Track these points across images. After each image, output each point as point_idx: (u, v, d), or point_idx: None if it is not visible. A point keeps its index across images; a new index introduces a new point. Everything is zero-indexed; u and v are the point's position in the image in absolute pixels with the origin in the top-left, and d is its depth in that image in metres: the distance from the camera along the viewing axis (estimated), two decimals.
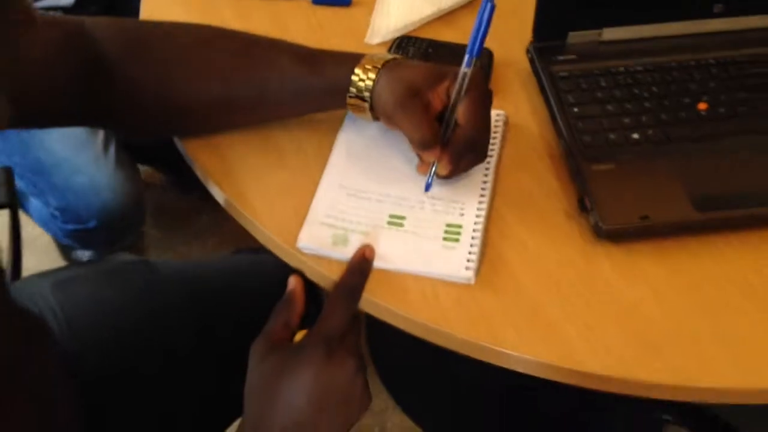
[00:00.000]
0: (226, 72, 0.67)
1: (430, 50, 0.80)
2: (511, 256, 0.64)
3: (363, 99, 0.66)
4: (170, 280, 0.79)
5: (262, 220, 0.66)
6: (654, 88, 0.74)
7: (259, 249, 0.71)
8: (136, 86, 0.64)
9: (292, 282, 0.63)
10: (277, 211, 0.66)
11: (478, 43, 0.61)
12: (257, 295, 0.73)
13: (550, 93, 0.73)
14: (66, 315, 0.71)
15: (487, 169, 0.69)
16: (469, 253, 0.63)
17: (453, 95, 0.64)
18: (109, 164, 1.05)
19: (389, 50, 0.79)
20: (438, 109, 0.65)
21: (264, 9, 0.86)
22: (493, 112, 0.73)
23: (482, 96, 0.65)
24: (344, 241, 0.64)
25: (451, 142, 0.65)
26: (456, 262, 0.62)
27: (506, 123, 0.74)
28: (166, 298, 0.77)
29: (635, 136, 0.70)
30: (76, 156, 1.03)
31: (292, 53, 0.68)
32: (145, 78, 0.64)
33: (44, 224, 1.19)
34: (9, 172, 0.80)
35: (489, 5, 0.60)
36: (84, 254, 1.38)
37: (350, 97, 0.67)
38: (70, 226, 1.11)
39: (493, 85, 0.77)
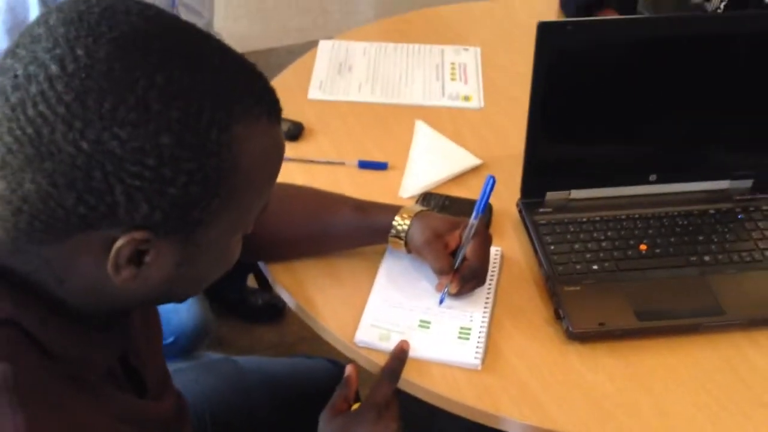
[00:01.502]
0: (305, 217, 0.95)
1: (446, 203, 1.09)
2: (507, 349, 0.90)
3: (400, 238, 0.94)
4: (250, 374, 1.03)
5: (327, 322, 0.92)
6: (609, 233, 1.02)
7: (312, 355, 0.97)
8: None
9: (349, 369, 0.88)
10: (339, 316, 0.93)
11: (482, 205, 0.90)
12: (314, 388, 0.97)
13: (533, 235, 1.01)
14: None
15: (489, 289, 0.96)
16: (477, 347, 0.88)
17: (464, 238, 0.91)
18: None
19: (416, 202, 1.08)
20: (453, 247, 0.93)
21: (323, 171, 1.16)
22: (493, 249, 1.00)
23: (484, 240, 0.93)
24: (387, 337, 0.89)
25: (461, 270, 0.92)
26: (467, 353, 0.88)
27: (502, 256, 1.01)
28: (247, 387, 1.01)
29: (595, 267, 0.97)
30: None
31: (351, 204, 0.96)
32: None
33: None
34: None
35: (491, 181, 0.88)
36: None
37: (391, 236, 0.94)
38: None
39: (493, 229, 1.06)
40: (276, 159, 0.61)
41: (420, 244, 0.92)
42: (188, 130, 0.51)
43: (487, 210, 1.07)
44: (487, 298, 0.95)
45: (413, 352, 0.88)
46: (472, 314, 0.92)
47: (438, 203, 1.08)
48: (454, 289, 0.92)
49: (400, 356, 0.87)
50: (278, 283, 0.97)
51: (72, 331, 0.58)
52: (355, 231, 0.95)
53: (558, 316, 0.92)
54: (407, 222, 0.93)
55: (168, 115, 0.50)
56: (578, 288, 0.95)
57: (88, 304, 0.58)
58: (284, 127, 1.22)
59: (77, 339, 0.58)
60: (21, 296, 0.55)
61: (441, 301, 0.94)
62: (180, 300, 0.64)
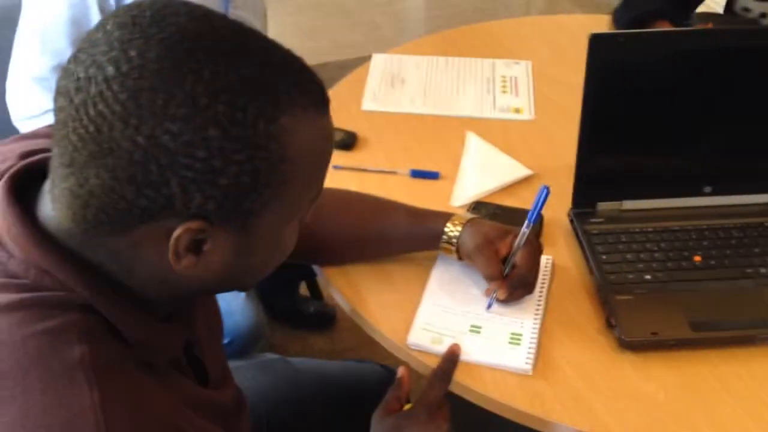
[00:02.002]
0: (360, 220, 0.97)
1: (497, 212, 1.10)
2: (558, 356, 0.90)
3: (452, 244, 0.96)
4: (304, 374, 1.05)
5: (380, 325, 0.94)
6: (662, 244, 1.02)
7: (363, 360, 0.99)
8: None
9: (401, 370, 0.90)
10: (392, 320, 0.94)
11: (535, 214, 0.91)
12: (365, 389, 0.99)
13: (585, 245, 1.02)
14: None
15: (540, 297, 0.97)
16: (528, 352, 0.89)
17: (514, 246, 0.92)
18: (242, 294, 1.35)
19: (467, 211, 1.10)
20: (503, 254, 0.94)
21: (375, 179, 1.18)
22: (544, 257, 1.01)
23: (535, 249, 0.94)
24: (439, 341, 0.91)
25: (510, 277, 0.93)
26: (519, 359, 0.88)
27: (554, 265, 1.02)
28: (301, 386, 1.03)
29: (647, 276, 0.97)
30: None
31: (404, 210, 0.98)
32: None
33: None
34: None
35: (545, 191, 0.90)
36: None
37: (443, 242, 0.96)
38: None
39: (544, 239, 1.06)
40: (325, 148, 0.62)
41: (471, 249, 0.93)
42: (235, 122, 0.53)
43: (538, 220, 1.08)
44: (538, 305, 0.95)
45: (464, 356, 0.89)
46: (522, 321, 0.93)
47: (489, 212, 1.10)
48: (502, 295, 0.93)
49: (451, 358, 0.88)
50: (333, 286, 1.00)
51: (142, 319, 0.61)
52: (407, 236, 0.97)
53: (610, 325, 0.92)
54: (459, 229, 0.95)
55: (215, 109, 0.52)
56: (630, 297, 0.95)
57: (155, 292, 0.61)
58: (338, 136, 1.25)
59: (146, 327, 0.61)
60: (96, 284, 0.58)
61: (489, 306, 0.95)
62: (244, 287, 0.66)
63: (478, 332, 0.92)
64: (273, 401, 1.00)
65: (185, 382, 0.66)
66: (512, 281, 0.92)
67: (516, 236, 0.92)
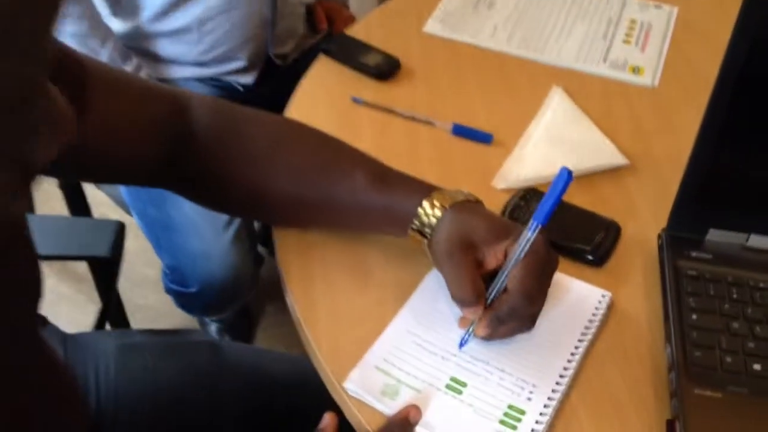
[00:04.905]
0: (301, 172, 0.65)
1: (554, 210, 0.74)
2: None
3: (424, 234, 0.62)
4: (233, 367, 0.77)
5: (320, 342, 0.63)
6: None
7: None
8: (219, 170, 0.64)
9: (326, 419, 0.59)
10: (340, 338, 0.63)
11: (547, 211, 0.55)
12: (310, 399, 0.69)
13: (670, 288, 0.65)
14: (117, 379, 0.71)
15: (573, 354, 0.62)
16: None
17: (509, 258, 0.58)
18: (227, 237, 1.08)
19: (512, 198, 0.75)
20: (491, 267, 0.60)
21: (402, 129, 0.85)
22: (599, 291, 0.66)
23: (540, 265, 0.59)
24: (394, 393, 0.59)
25: (495, 305, 0.59)
26: None
27: (610, 306, 0.67)
28: (224, 384, 0.75)
29: (757, 367, 0.60)
30: (201, 220, 1.07)
31: (367, 168, 0.65)
32: (228, 164, 0.64)
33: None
34: (121, 227, 0.84)
35: (566, 174, 0.54)
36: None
37: (412, 228, 0.63)
38: (173, 286, 1.15)
39: (613, 260, 0.71)
40: None
41: (441, 252, 0.60)
42: None
43: (612, 227, 0.72)
44: (566, 368, 0.61)
45: (425, 429, 0.57)
46: (533, 388, 0.60)
47: None
48: (481, 330, 0.60)
49: (401, 429, 0.56)
50: (283, 266, 0.69)
51: None
52: (364, 209, 0.65)
53: None
54: (438, 213, 0.62)
55: None
56: (719, 395, 0.58)
57: None
58: (374, 59, 0.92)
59: None
60: None
61: (461, 345, 0.62)
62: None
63: (459, 392, 0.59)
64: (174, 396, 0.73)
65: None
66: (498, 310, 0.59)
67: (516, 241, 0.58)
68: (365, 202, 0.64)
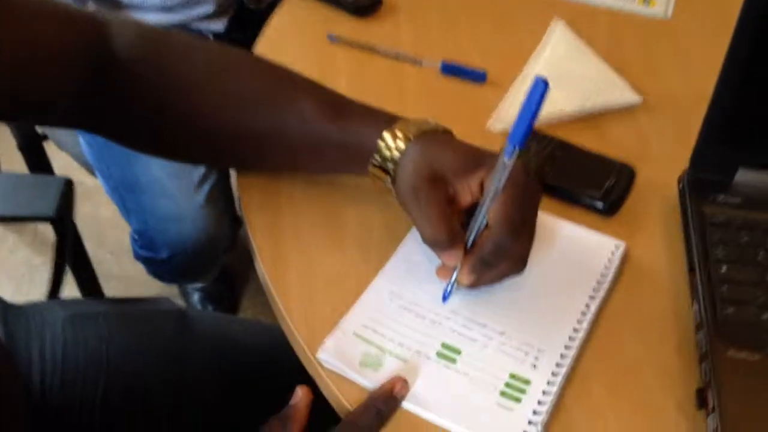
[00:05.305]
0: (242, 101, 0.56)
1: (557, 153, 0.66)
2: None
3: (386, 171, 0.54)
4: (200, 337, 0.69)
5: (291, 307, 0.54)
6: None
7: None
8: (149, 102, 0.55)
9: (299, 394, 0.51)
10: (315, 301, 0.54)
11: (523, 131, 0.46)
12: (285, 372, 0.60)
13: (694, 238, 0.57)
14: (66, 352, 0.63)
15: (583, 313, 0.53)
16: (530, 422, 0.47)
17: (486, 189, 0.50)
18: (199, 197, 0.99)
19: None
20: (466, 203, 0.52)
21: (385, 69, 0.75)
22: (611, 241, 0.58)
23: (523, 194, 0.50)
24: (376, 363, 0.50)
25: (477, 246, 0.51)
26: (510, 430, 0.47)
27: (624, 258, 0.58)
28: (190, 356, 0.67)
29: None
30: (170, 180, 0.98)
31: (318, 97, 0.56)
32: (158, 94, 0.55)
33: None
34: (69, 185, 0.74)
35: (543, 84, 0.45)
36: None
37: (372, 165, 0.54)
38: (143, 252, 1.06)
39: (626, 209, 0.62)
40: None
41: (406, 188, 0.52)
42: None
43: (624, 172, 0.64)
44: (576, 329, 0.52)
45: (411, 404, 0.48)
46: (539, 353, 0.51)
47: (543, 151, 0.66)
48: (465, 277, 0.52)
49: (385, 404, 0.48)
50: (248, 221, 0.60)
51: None
52: (317, 141, 0.56)
53: (701, 403, 0.48)
54: (401, 145, 0.53)
55: None
56: (756, 357, 0.50)
57: None
58: None
59: None
60: None
61: (444, 298, 0.54)
62: None
63: (453, 360, 0.51)
64: (132, 369, 0.64)
65: None
66: (481, 252, 0.50)
67: (489, 173, 0.50)
68: (316, 135, 0.55)
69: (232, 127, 0.56)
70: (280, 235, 0.59)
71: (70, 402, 0.61)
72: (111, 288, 1.34)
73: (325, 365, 0.50)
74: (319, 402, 0.52)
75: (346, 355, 0.50)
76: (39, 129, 1.18)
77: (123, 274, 1.49)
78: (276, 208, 0.61)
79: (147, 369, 0.65)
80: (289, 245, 0.58)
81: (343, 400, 0.49)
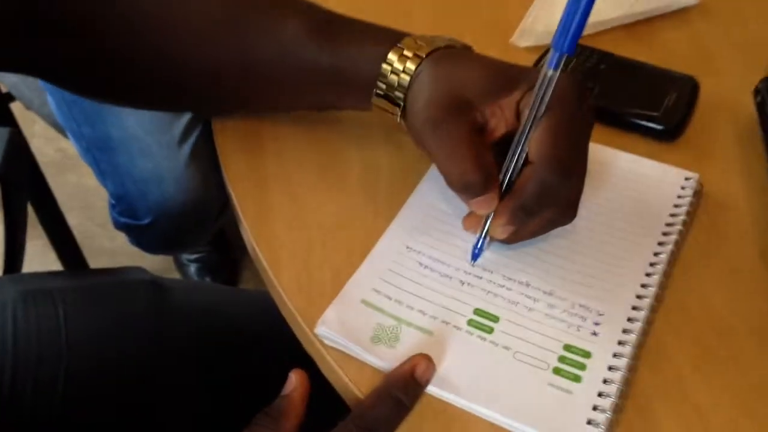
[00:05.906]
0: (208, 27, 0.44)
1: (601, 66, 0.54)
2: (668, 419, 0.37)
3: (394, 102, 0.42)
4: (179, 311, 0.58)
5: (280, 269, 0.43)
6: None
7: None
8: (97, 32, 0.44)
9: (293, 382, 0.40)
10: (312, 262, 0.43)
11: (571, 34, 0.35)
12: (280, 350, 0.50)
13: None
14: (17, 333, 0.53)
15: (653, 264, 0.42)
16: (595, 408, 0.36)
17: (526, 114, 0.38)
18: (183, 154, 0.87)
19: (541, 58, 0.54)
20: (500, 133, 0.41)
21: None
22: (679, 172, 0.47)
23: (571, 119, 0.39)
24: (392, 338, 0.39)
25: (516, 188, 0.39)
26: (570, 418, 0.36)
27: (699, 193, 0.46)
28: (168, 332, 0.57)
29: None
30: (149, 137, 0.86)
31: (303, 16, 0.44)
32: (107, 26, 0.44)
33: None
34: (13, 136, 0.63)
35: None
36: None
37: (377, 94, 0.43)
38: (123, 219, 0.95)
39: (690, 130, 0.50)
40: None
41: (421, 120, 0.40)
42: None
43: (684, 83, 0.53)
44: (645, 284, 0.41)
45: (438, 388, 0.37)
46: (600, 316, 0.40)
47: (584, 65, 0.54)
48: (501, 230, 0.40)
49: (405, 391, 0.37)
50: (228, 174, 0.49)
51: None
52: (303, 70, 0.44)
53: None
54: (411, 66, 0.42)
55: None
56: None
57: None
58: None
59: None
60: None
61: (474, 256, 0.42)
62: None
63: (489, 331, 0.40)
64: (100, 345, 0.55)
65: None
66: (522, 196, 0.39)
67: (529, 92, 0.39)
68: (302, 61, 0.43)
69: (197, 60, 0.45)
70: (264, 183, 0.48)
71: (22, 392, 0.51)
72: (101, 264, 1.24)
73: (327, 342, 0.39)
74: (322, 388, 0.41)
75: (354, 328, 0.39)
76: (3, 88, 1.07)
77: (115, 248, 1.38)
78: (258, 150, 0.49)
79: (116, 352, 0.54)
80: (277, 194, 0.47)
81: (352, 386, 0.38)
